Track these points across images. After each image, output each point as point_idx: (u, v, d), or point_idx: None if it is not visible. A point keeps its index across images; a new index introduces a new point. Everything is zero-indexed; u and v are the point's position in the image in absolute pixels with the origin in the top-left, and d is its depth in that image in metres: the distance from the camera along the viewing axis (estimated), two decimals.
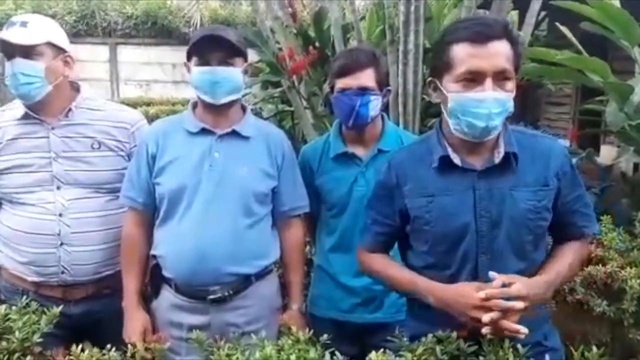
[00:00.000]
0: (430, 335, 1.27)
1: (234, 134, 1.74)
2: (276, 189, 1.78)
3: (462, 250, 1.38)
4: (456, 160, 1.39)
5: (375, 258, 1.57)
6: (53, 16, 9.12)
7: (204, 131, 1.73)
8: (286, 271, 1.88)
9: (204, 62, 1.67)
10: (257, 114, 5.47)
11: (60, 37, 1.77)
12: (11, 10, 8.65)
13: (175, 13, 9.40)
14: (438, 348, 1.22)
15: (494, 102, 1.29)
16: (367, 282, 1.81)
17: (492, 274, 1.29)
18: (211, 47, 1.66)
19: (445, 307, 1.34)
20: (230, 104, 1.74)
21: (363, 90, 1.73)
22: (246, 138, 1.76)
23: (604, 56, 3.39)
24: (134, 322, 1.72)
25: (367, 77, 1.74)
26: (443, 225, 1.40)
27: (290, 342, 1.27)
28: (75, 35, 9.42)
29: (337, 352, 1.21)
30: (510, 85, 1.32)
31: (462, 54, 1.30)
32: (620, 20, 2.93)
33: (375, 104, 1.76)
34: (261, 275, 1.77)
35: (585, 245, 1.56)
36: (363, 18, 5.16)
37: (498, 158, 1.37)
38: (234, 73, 1.69)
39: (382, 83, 1.80)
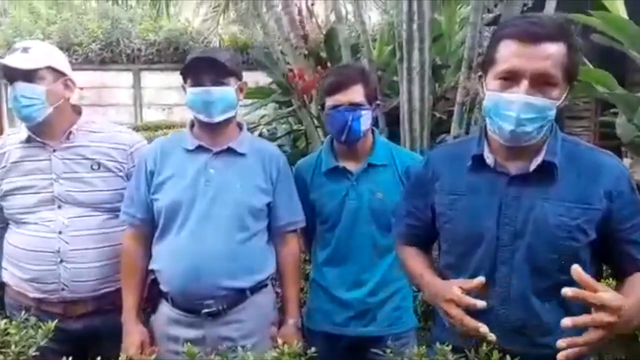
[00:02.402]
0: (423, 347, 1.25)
1: (230, 150, 1.79)
2: (272, 204, 1.81)
3: (479, 256, 1.33)
4: (489, 160, 1.34)
5: (405, 249, 1.57)
6: (79, 45, 9.52)
7: (200, 148, 1.78)
8: (282, 286, 1.90)
9: (197, 82, 1.72)
10: (272, 134, 5.55)
11: (61, 62, 1.85)
12: (40, 40, 8.99)
13: (196, 39, 9.63)
14: None
15: (526, 106, 1.20)
16: (360, 295, 1.82)
17: (575, 267, 1.11)
18: (203, 69, 1.72)
19: (431, 302, 1.34)
20: (226, 122, 1.78)
21: (354, 106, 1.77)
22: (242, 155, 1.80)
23: (621, 68, 3.35)
24: (132, 336, 1.74)
25: (357, 93, 1.77)
26: (463, 226, 1.36)
27: (275, 354, 1.27)
28: (100, 63, 9.78)
29: None
30: (556, 92, 1.22)
31: (506, 51, 1.22)
32: (627, 31, 2.90)
33: (366, 118, 1.79)
34: (256, 289, 1.78)
35: None
36: (375, 40, 5.22)
37: (534, 166, 1.28)
38: (228, 92, 1.74)
39: (372, 98, 1.82)
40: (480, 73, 1.35)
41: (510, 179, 1.31)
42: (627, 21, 2.91)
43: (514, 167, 1.31)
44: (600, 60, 3.33)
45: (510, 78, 1.22)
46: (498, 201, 1.31)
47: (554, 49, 1.19)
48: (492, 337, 1.20)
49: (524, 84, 1.20)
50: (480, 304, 1.21)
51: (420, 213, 1.50)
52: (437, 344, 1.21)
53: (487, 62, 1.30)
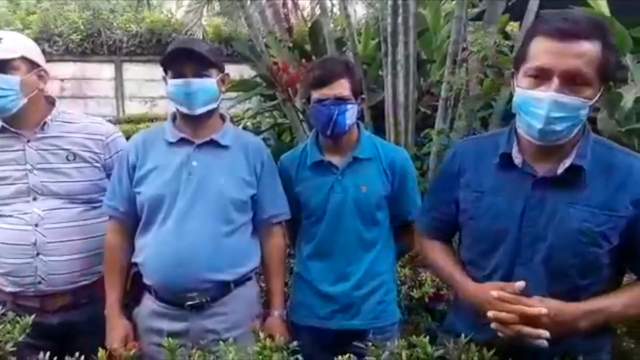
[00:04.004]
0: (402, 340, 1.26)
1: (213, 143, 1.77)
2: (256, 197, 1.80)
3: (498, 255, 1.33)
4: (517, 160, 1.32)
5: (430, 243, 1.57)
6: (60, 35, 9.36)
7: (182, 141, 1.76)
8: (267, 278, 1.89)
9: (178, 74, 1.70)
10: (257, 127, 5.52)
11: (35, 53, 1.81)
12: (19, 30, 8.81)
13: (179, 30, 9.52)
14: (404, 353, 1.21)
15: (555, 104, 1.18)
16: (345, 289, 1.82)
17: (520, 282, 1.25)
18: (183, 60, 1.69)
19: (470, 304, 1.34)
20: (208, 114, 1.76)
21: (340, 100, 1.75)
22: (225, 147, 1.78)
23: None
24: (116, 330, 1.73)
25: (342, 87, 1.76)
26: (486, 224, 1.35)
27: (257, 348, 1.26)
28: (81, 54, 9.62)
29: (300, 358, 1.20)
30: (588, 91, 1.18)
31: (538, 48, 1.20)
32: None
33: (351, 112, 1.78)
34: (240, 282, 1.77)
35: None
36: (360, 34, 5.21)
37: (562, 169, 1.26)
38: (209, 84, 1.72)
39: (357, 92, 1.81)
40: (512, 70, 1.32)
41: (537, 180, 1.29)
42: (610, 18, 2.94)
43: (541, 169, 1.30)
44: None
45: (541, 76, 1.20)
46: (522, 202, 1.30)
47: (587, 47, 1.16)
48: (544, 343, 1.21)
49: (555, 82, 1.18)
50: (545, 310, 1.20)
51: (445, 207, 1.50)
52: (414, 336, 1.24)
53: (519, 59, 1.27)
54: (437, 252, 1.56)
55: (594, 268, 1.27)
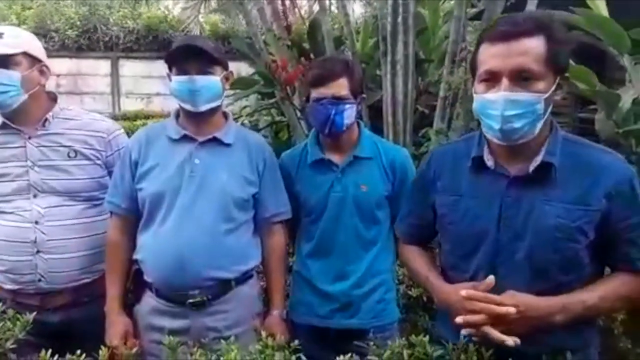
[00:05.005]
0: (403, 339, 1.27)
1: (215, 140, 1.77)
2: (258, 195, 1.80)
3: (479, 257, 1.34)
4: (489, 162, 1.35)
5: (407, 248, 1.59)
6: (55, 31, 9.30)
7: (185, 138, 1.76)
8: (268, 277, 1.89)
9: (182, 71, 1.70)
10: (254, 125, 5.51)
11: (36, 48, 1.80)
12: (15, 25, 8.74)
13: (176, 27, 9.48)
14: (405, 352, 1.22)
15: (507, 103, 1.21)
16: (344, 288, 1.82)
17: (490, 277, 1.25)
18: (189, 57, 1.69)
19: (444, 306, 1.35)
20: (211, 111, 1.76)
21: (337, 100, 1.75)
22: (227, 145, 1.78)
23: (601, 65, 3.38)
24: (116, 327, 1.72)
25: (341, 86, 1.76)
26: (464, 227, 1.37)
27: (259, 347, 1.27)
28: (77, 50, 9.56)
29: (302, 357, 1.21)
30: (540, 86, 1.21)
31: (484, 54, 1.26)
32: (608, 29, 2.93)
33: (350, 112, 1.78)
34: (241, 280, 1.77)
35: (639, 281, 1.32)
36: (359, 32, 5.22)
37: (533, 167, 1.28)
38: (213, 81, 1.72)
39: (356, 91, 1.81)
40: (470, 77, 1.37)
41: (510, 180, 1.31)
42: (608, 19, 2.95)
43: (513, 169, 1.32)
44: (580, 57, 3.37)
45: (492, 79, 1.24)
46: (498, 203, 1.32)
47: (531, 44, 1.21)
48: (511, 343, 1.20)
49: (504, 82, 1.22)
50: (512, 310, 1.20)
51: (423, 212, 1.51)
52: (413, 336, 1.24)
53: (472, 67, 1.32)
54: (414, 257, 1.57)
55: (574, 264, 1.28)
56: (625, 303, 1.36)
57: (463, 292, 1.25)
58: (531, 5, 3.32)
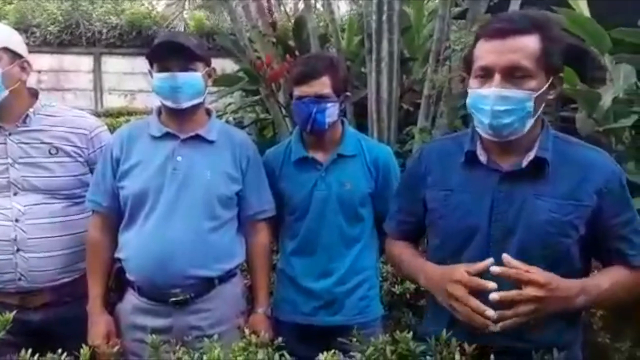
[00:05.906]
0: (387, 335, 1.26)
1: (198, 137, 1.75)
2: (242, 193, 1.79)
3: (470, 252, 1.34)
4: (482, 157, 1.36)
5: (396, 244, 1.58)
6: (37, 26, 9.15)
7: (167, 135, 1.74)
8: (252, 275, 1.89)
9: (164, 68, 1.68)
10: (239, 123, 5.49)
11: (18, 43, 1.76)
12: None
13: (160, 23, 9.40)
14: (388, 348, 1.22)
15: (498, 98, 1.23)
16: (328, 285, 1.83)
17: (504, 255, 1.21)
18: (170, 54, 1.67)
19: (431, 286, 1.35)
20: (194, 108, 1.74)
21: (319, 98, 1.75)
22: (210, 142, 1.77)
23: (582, 64, 3.42)
24: (98, 327, 1.71)
25: (323, 85, 1.76)
26: (455, 221, 1.37)
27: (242, 344, 1.26)
28: (59, 45, 9.42)
29: (285, 354, 1.21)
30: (532, 84, 1.23)
31: (480, 50, 1.27)
32: (588, 29, 2.97)
33: (332, 110, 1.78)
34: (225, 278, 1.76)
35: (637, 277, 1.32)
36: (344, 30, 5.22)
37: (526, 162, 1.30)
38: (195, 78, 1.71)
39: (340, 89, 1.81)
40: (464, 74, 1.38)
41: (503, 175, 1.32)
42: (590, 19, 2.98)
43: (506, 164, 1.33)
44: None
45: (485, 75, 1.26)
46: (490, 198, 1.32)
47: (525, 42, 1.22)
48: (496, 327, 1.19)
49: (496, 78, 1.23)
50: (492, 285, 1.18)
51: (412, 208, 1.51)
52: (397, 332, 1.23)
53: (468, 63, 1.33)
54: (403, 250, 1.56)
55: (565, 259, 1.29)
56: (626, 295, 1.35)
57: (497, 269, 1.19)
58: (514, 5, 3.35)
